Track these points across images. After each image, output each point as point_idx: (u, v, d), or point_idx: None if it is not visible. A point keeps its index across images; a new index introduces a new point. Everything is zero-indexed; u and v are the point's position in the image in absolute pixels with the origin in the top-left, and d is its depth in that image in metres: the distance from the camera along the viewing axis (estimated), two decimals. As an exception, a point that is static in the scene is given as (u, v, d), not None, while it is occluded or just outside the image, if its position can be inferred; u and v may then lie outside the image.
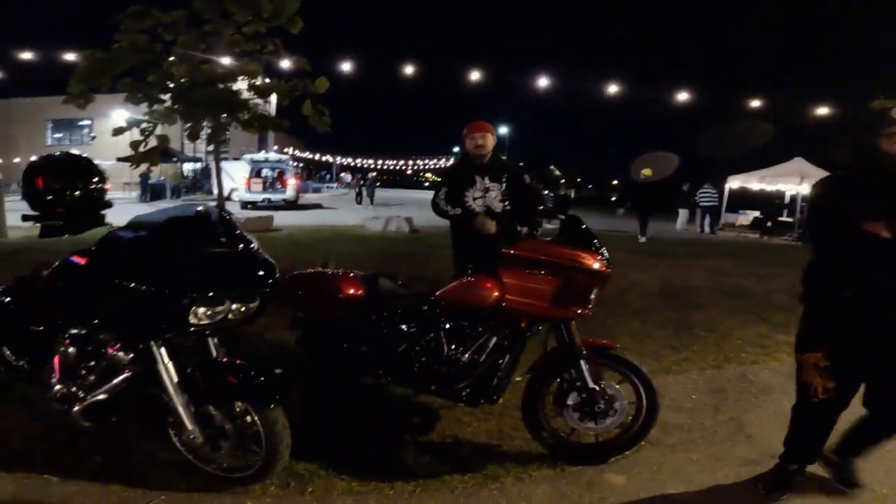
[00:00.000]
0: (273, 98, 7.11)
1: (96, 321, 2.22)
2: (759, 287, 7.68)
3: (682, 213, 18.69)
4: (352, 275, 3.06)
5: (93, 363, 2.28)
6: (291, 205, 21.02)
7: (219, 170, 7.41)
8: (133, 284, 2.01)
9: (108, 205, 2.29)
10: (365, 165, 47.17)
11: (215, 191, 23.80)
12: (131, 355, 2.23)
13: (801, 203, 18.53)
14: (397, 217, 13.58)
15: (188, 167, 30.94)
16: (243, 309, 2.12)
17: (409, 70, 12.80)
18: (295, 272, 3.27)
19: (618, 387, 2.65)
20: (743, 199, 21.10)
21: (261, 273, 2.14)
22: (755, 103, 14.16)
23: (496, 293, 2.60)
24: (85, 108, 6.23)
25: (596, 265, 2.55)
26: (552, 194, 2.72)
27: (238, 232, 2.19)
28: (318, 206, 23.14)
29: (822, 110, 13.49)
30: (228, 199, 23.11)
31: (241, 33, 6.51)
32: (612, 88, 13.65)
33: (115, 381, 2.24)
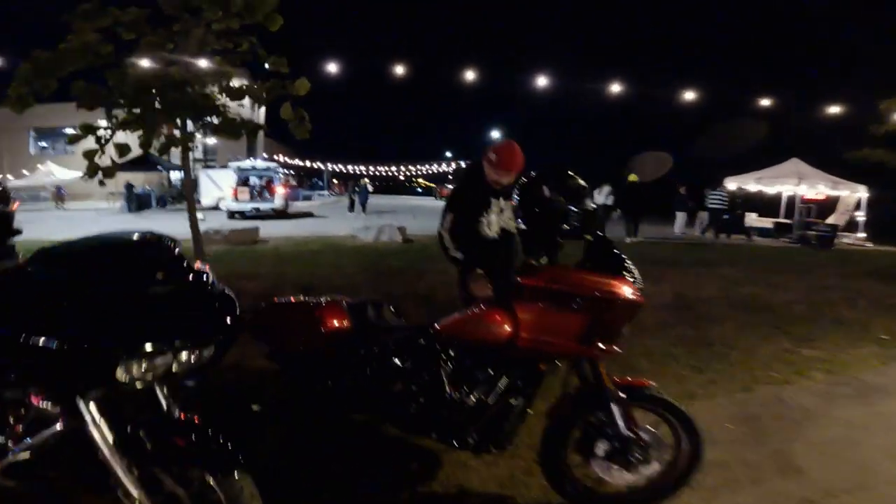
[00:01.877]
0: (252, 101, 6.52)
1: (10, 376, 1.78)
2: (774, 296, 7.30)
3: (680, 217, 18.37)
4: (336, 303, 2.63)
5: (18, 415, 1.86)
6: (280, 214, 20.51)
7: (188, 176, 6.85)
8: (42, 340, 1.56)
9: (16, 232, 1.85)
10: (357, 172, 46.65)
11: (202, 200, 23.23)
12: (59, 408, 1.80)
13: (798, 204, 18.35)
14: (390, 226, 13.05)
15: (175, 176, 30.21)
16: (193, 358, 1.68)
17: (400, 71, 12.40)
18: (273, 300, 2.84)
19: (655, 431, 2.24)
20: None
21: (215, 314, 1.70)
22: (753, 104, 13.91)
23: (509, 329, 2.18)
24: (22, 113, 5.63)
25: (628, 293, 2.14)
26: (576, 210, 2.22)
27: (185, 263, 1.75)
28: (308, 215, 22.64)
29: (823, 111, 13.25)
30: (216, 208, 22.59)
31: (212, 31, 5.96)
32: (612, 89, 13.33)
33: (45, 435, 1.80)
